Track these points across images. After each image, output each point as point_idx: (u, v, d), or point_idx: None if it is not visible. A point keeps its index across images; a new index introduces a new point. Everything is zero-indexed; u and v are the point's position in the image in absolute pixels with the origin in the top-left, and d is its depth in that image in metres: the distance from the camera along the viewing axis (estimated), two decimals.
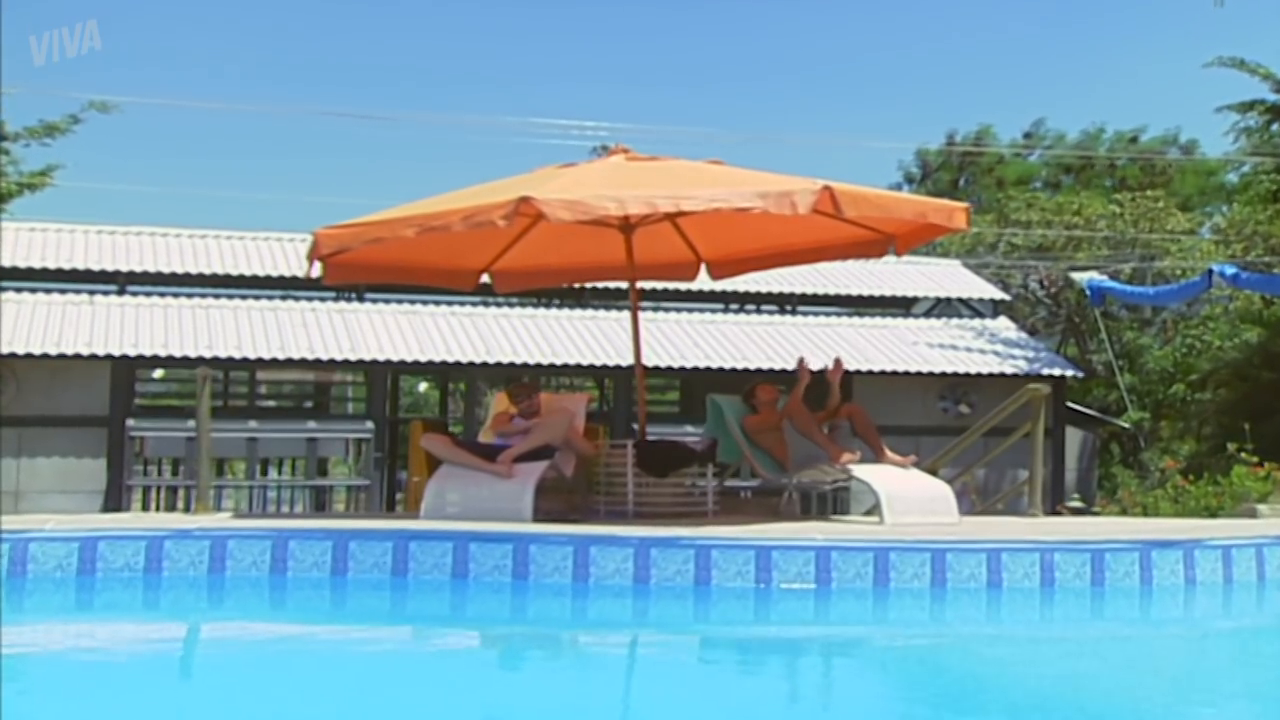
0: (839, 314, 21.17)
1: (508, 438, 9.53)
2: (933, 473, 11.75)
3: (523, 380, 10.62)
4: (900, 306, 21.92)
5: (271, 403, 24.93)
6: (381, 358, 17.75)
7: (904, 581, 7.40)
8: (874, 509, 9.26)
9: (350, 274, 10.37)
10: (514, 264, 10.97)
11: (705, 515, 9.52)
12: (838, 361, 10.08)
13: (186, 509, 17.62)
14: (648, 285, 19.73)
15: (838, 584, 7.35)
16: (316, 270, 9.71)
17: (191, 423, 17.10)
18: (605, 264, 10.80)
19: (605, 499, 9.70)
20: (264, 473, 23.57)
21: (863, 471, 9.41)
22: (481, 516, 8.43)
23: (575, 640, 6.98)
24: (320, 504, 18.82)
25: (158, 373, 22.59)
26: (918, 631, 7.23)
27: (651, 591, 7.24)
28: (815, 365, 18.22)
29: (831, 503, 16.30)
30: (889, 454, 9.72)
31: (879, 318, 21.25)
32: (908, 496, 9.23)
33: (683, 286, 19.50)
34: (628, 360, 18.32)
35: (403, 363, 17.98)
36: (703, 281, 19.34)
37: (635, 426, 17.73)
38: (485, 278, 11.21)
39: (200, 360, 17.16)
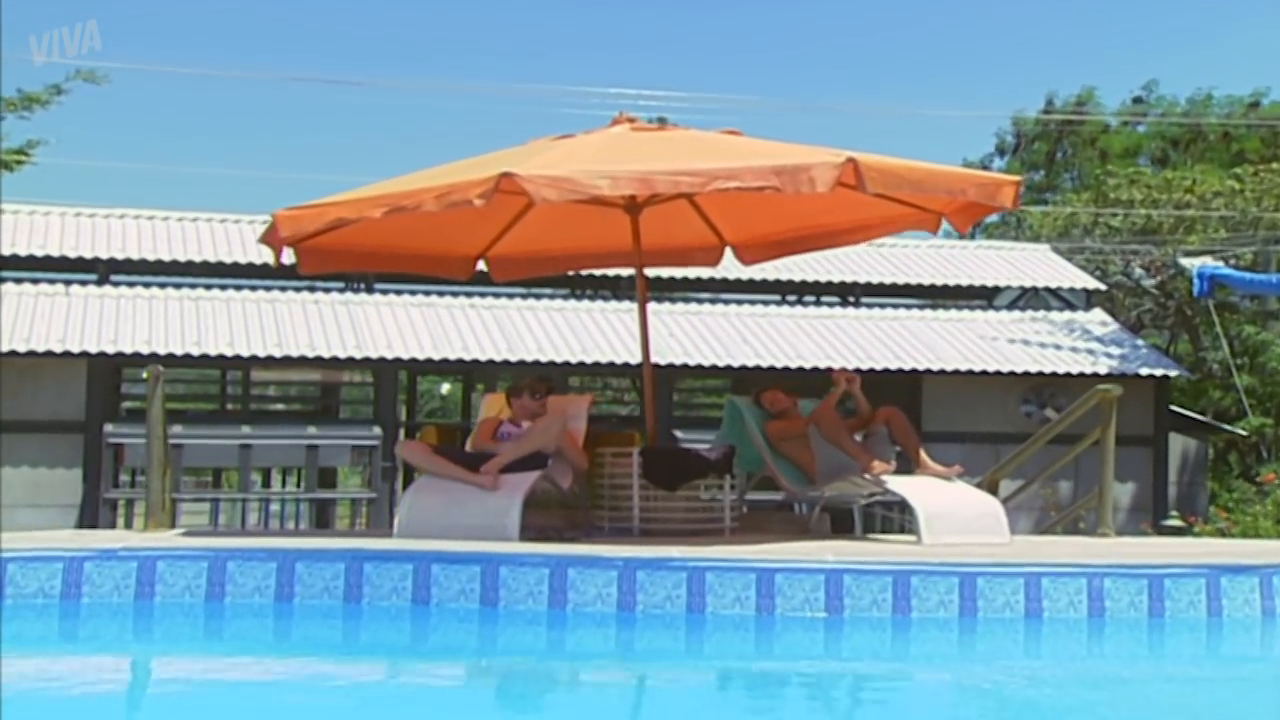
0: (909, 306, 20.99)
1: (497, 445, 9.43)
2: (993, 484, 11.62)
3: (541, 378, 10.48)
4: (980, 297, 21.71)
5: (280, 406, 25.05)
6: (390, 355, 17.75)
7: (928, 610, 7.23)
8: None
9: (327, 261, 10.34)
10: (512, 249, 10.88)
11: (721, 533, 9.41)
12: (846, 372, 9.92)
13: (172, 524, 17.68)
14: (692, 274, 19.65)
15: (851, 612, 7.19)
16: (287, 257, 9.67)
17: (179, 427, 17.23)
18: (616, 249, 10.65)
19: (609, 514, 9.59)
20: (265, 484, 23.75)
21: (898, 484, 9.25)
22: (462, 535, 8.33)
23: (549, 676, 6.85)
24: (323, 519, 18.86)
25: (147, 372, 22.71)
26: (941, 668, 7.06)
27: (638, 620, 7.12)
28: (885, 363, 18.28)
29: (898, 522, 16.12)
30: (931, 464, 9.54)
31: (955, 310, 21.04)
32: (949, 513, 9.06)
33: (730, 275, 19.41)
34: (667, 358, 18.23)
35: (415, 361, 17.97)
36: (751, 269, 19.39)
37: (676, 434, 17.77)
38: (481, 265, 11.12)
39: (187, 358, 17.26)
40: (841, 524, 13.74)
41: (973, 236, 35.85)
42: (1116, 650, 7.42)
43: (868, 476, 9.35)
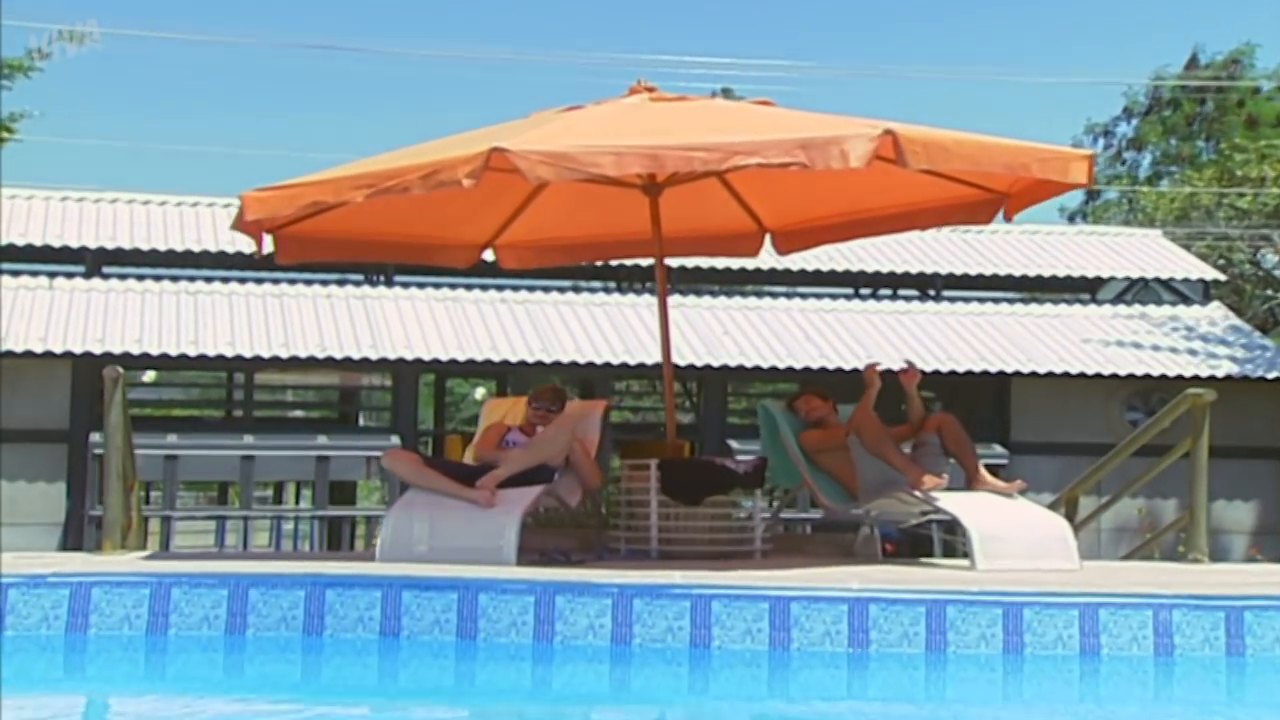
0: (998, 300, 20.78)
1: (502, 454, 9.36)
2: (1071, 502, 11.47)
3: (553, 384, 10.45)
4: (1081, 290, 21.52)
5: (300, 413, 25.16)
6: (410, 356, 17.75)
7: (966, 645, 7.08)
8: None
9: (308, 250, 10.33)
10: (522, 236, 10.85)
11: (751, 556, 9.31)
12: (909, 365, 9.79)
13: (165, 546, 17.79)
14: (750, 264, 19.57)
15: (878, 648, 7.05)
16: (268, 245, 9.66)
17: (173, 436, 17.35)
18: (639, 235, 10.55)
19: (626, 534, 9.51)
20: (278, 500, 23.85)
21: (950, 501, 9.11)
22: (453, 558, 8.29)
23: (534, 718, 6.79)
24: (337, 539, 18.91)
25: (148, 375, 22.87)
26: (981, 713, 6.92)
27: (635, 655, 7.02)
28: (968, 364, 18.09)
29: None
30: (989, 479, 9.40)
31: (1050, 305, 20.83)
32: (1008, 535, 8.93)
33: (794, 265, 19.30)
34: (720, 359, 18.15)
35: (437, 362, 17.96)
36: (819, 258, 19.29)
37: (730, 443, 17.67)
38: (489, 253, 11.09)
39: (183, 359, 17.31)
40: (922, 550, 13.59)
41: (1083, 219, 35.47)
42: (1187, 694, 7.25)
43: (916, 493, 9.21)
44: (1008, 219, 9.93)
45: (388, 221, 10.25)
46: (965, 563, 9.02)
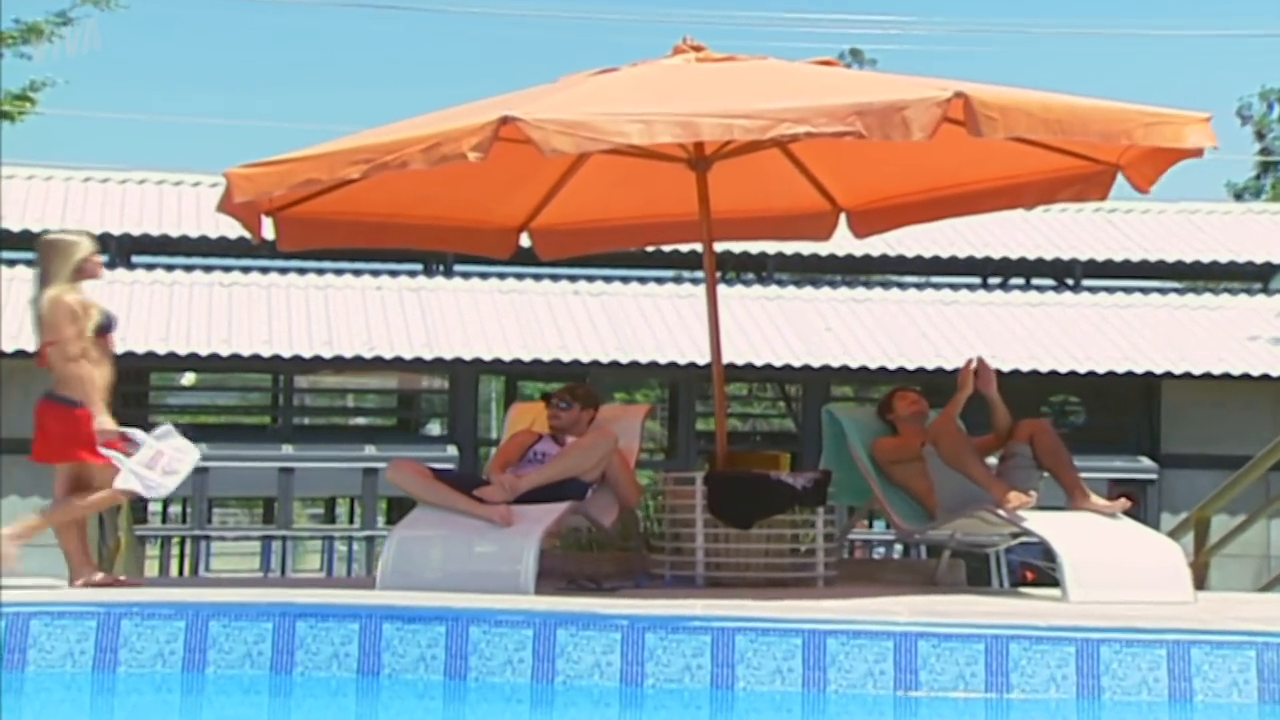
0: (1148, 289, 20.53)
1: (522, 469, 9.28)
2: (1201, 524, 11.25)
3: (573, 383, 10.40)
4: (1248, 278, 21.26)
5: (362, 420, 25.28)
6: (469, 355, 17.76)
7: (1032, 689, 6.93)
8: None
9: (314, 235, 10.30)
10: (559, 219, 10.78)
11: (813, 584, 9.19)
12: (981, 363, 9.63)
13: (195, 570, 17.93)
14: (858, 249, 19.41)
15: (929, 690, 6.92)
16: (268, 231, 9.65)
17: (203, 447, 17.38)
18: (691, 216, 10.45)
19: (671, 558, 9.41)
20: (330, 518, 23.95)
21: (1040, 523, 8.93)
22: (462, 584, 8.23)
23: None
24: None
25: (187, 377, 23.06)
26: None
27: (647, 698, 6.96)
28: (1111, 364, 17.86)
29: None
30: (1090, 496, 9.20)
31: (1211, 295, 20.55)
32: (1108, 562, 8.74)
33: (909, 251, 19.18)
34: (821, 359, 18.03)
35: (499, 362, 17.97)
36: (939, 244, 19.12)
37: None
38: (525, 239, 11.05)
39: (214, 359, 17.40)
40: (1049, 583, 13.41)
41: (1255, 196, 35.00)
42: None
43: (1001, 512, 9.03)
44: (1142, 189, 9.63)
45: (404, 202, 10.21)
46: (1053, 591, 8.87)
